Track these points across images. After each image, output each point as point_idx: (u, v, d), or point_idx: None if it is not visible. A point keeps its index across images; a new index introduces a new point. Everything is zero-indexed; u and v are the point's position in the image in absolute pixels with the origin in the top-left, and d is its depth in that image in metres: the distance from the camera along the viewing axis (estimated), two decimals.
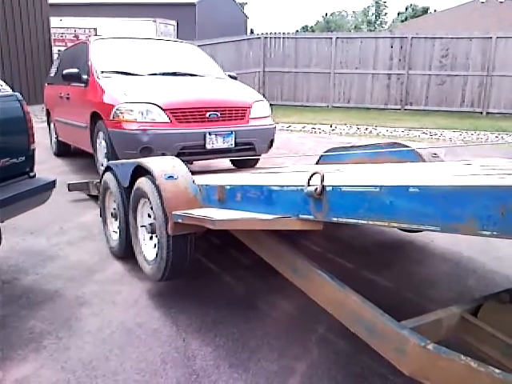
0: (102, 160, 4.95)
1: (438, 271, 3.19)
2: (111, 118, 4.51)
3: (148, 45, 6.05)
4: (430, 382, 1.45)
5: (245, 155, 4.77)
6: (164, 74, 5.27)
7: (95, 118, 4.92)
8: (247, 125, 4.86)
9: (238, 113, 4.85)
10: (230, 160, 5.52)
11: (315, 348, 2.25)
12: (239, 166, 5.40)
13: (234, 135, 4.69)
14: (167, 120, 4.44)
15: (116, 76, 5.05)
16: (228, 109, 4.77)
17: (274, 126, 5.24)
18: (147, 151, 4.24)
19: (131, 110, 4.42)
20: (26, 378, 1.99)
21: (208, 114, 4.61)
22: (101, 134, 4.85)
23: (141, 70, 5.20)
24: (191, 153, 4.55)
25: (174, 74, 5.34)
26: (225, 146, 4.67)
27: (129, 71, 5.15)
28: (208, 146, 4.56)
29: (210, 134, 4.54)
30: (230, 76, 5.97)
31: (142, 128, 4.36)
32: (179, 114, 4.50)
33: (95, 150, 5.10)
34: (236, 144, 4.73)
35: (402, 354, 1.51)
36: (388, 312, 1.66)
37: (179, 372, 2.05)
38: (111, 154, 4.58)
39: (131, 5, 22.89)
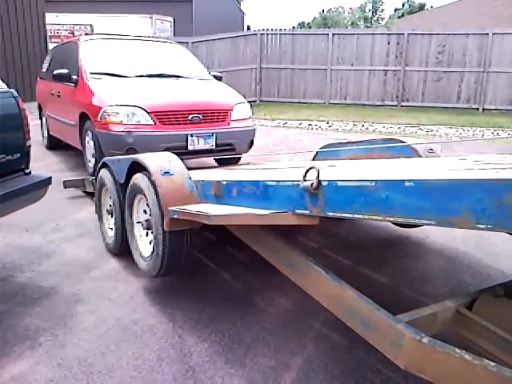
0: (90, 158, 5.13)
1: (434, 266, 3.20)
2: (99, 119, 4.69)
3: (136, 45, 6.19)
4: (426, 375, 1.45)
5: (225, 155, 4.98)
6: (150, 75, 5.42)
7: (84, 117, 5.09)
8: (228, 127, 5.06)
9: (220, 115, 5.03)
10: (214, 158, 5.67)
11: (311, 343, 2.25)
12: (221, 163, 5.55)
13: (215, 137, 4.89)
14: (151, 122, 4.63)
15: (104, 78, 5.19)
16: (210, 111, 4.96)
17: (254, 127, 5.43)
18: (132, 152, 4.35)
19: (117, 113, 4.60)
20: (22, 374, 1.99)
21: (190, 116, 4.80)
22: (89, 133, 5.03)
23: (128, 72, 5.36)
24: (174, 153, 4.63)
25: (160, 75, 5.48)
26: (206, 147, 4.87)
27: (117, 73, 5.30)
28: (190, 147, 4.76)
29: (191, 135, 4.74)
30: (215, 76, 6.11)
31: (127, 130, 4.55)
32: (163, 116, 4.69)
33: (84, 147, 5.26)
34: (217, 145, 4.93)
35: (398, 347, 1.51)
36: (384, 306, 1.66)
37: (175, 368, 2.05)
38: (99, 153, 4.76)
39: (127, 1, 22.75)
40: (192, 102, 4.97)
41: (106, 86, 5.02)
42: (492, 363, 1.38)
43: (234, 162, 5.52)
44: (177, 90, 5.23)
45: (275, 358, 2.13)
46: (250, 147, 5.41)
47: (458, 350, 1.41)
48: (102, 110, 4.65)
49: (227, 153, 5.00)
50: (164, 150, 4.41)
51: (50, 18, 15.34)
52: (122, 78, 5.23)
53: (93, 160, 4.99)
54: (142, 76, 5.36)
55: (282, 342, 2.25)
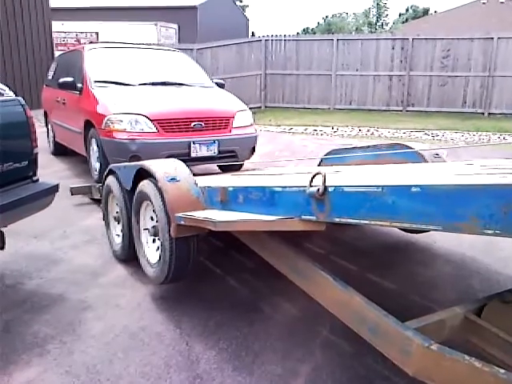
0: (95, 165, 5.19)
1: (442, 272, 3.18)
2: (103, 127, 4.76)
3: (139, 53, 6.26)
4: (434, 382, 1.44)
5: (227, 161, 5.02)
6: (153, 83, 5.49)
7: (88, 124, 5.16)
8: (230, 134, 5.11)
9: (222, 123, 5.09)
10: (217, 164, 5.72)
11: (319, 350, 2.24)
12: (225, 170, 5.56)
13: (217, 144, 4.94)
14: (154, 130, 4.70)
15: (108, 86, 5.27)
16: (212, 119, 5.01)
17: (255, 134, 5.47)
18: (136, 159, 4.38)
19: (121, 121, 4.67)
20: (30, 382, 2.00)
21: (193, 124, 4.86)
22: (93, 141, 5.10)
23: (132, 80, 5.43)
24: None
25: (163, 83, 5.55)
26: (208, 154, 4.93)
27: (120, 81, 5.37)
28: (193, 154, 4.81)
29: (194, 143, 4.80)
30: (217, 84, 6.17)
31: (131, 137, 4.62)
32: (165, 124, 4.76)
33: (89, 154, 5.33)
34: (219, 152, 4.98)
35: (406, 354, 1.50)
36: (391, 313, 1.65)
37: (183, 375, 2.05)
38: (103, 160, 4.83)
39: (133, 9, 22.96)
40: (194, 110, 5.03)
41: (110, 94, 5.10)
42: (502, 370, 1.37)
43: (237, 168, 5.60)
44: (179, 98, 5.29)
45: (283, 365, 2.13)
46: (252, 154, 5.46)
47: (467, 357, 1.40)
48: (106, 118, 4.72)
49: (229, 159, 5.04)
50: (167, 157, 4.47)
51: (56, 25, 15.51)
52: (125, 86, 5.31)
53: (98, 167, 5.05)
54: (145, 84, 5.43)
55: (289, 349, 2.24)
